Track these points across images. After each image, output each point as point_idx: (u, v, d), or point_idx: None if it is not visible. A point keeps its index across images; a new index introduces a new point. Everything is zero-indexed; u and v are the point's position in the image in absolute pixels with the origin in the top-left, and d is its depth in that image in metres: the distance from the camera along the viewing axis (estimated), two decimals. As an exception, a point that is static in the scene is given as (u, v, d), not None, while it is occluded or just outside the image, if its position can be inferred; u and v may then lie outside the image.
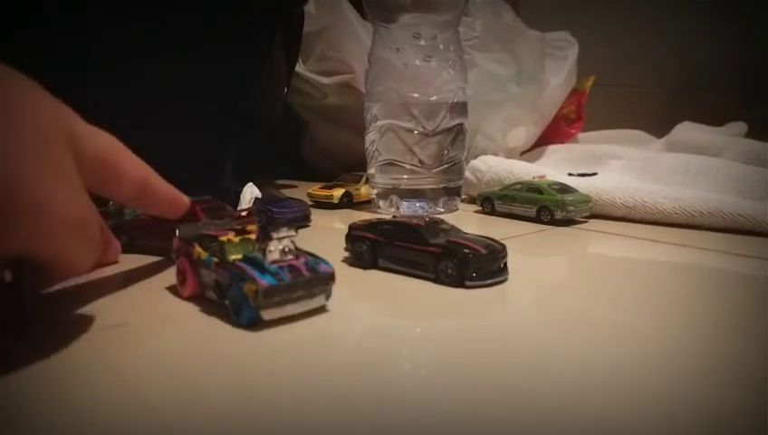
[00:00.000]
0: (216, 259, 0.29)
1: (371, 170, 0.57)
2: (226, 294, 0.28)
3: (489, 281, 0.33)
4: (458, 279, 0.33)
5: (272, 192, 0.55)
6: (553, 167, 0.71)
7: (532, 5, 1.23)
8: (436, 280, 0.34)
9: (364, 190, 0.60)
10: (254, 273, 0.27)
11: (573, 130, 1.03)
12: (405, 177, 0.55)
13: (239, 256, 0.29)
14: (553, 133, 0.95)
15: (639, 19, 1.50)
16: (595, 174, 0.68)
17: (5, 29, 0.40)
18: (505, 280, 0.34)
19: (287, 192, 0.60)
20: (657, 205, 0.50)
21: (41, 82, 0.24)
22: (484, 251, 0.33)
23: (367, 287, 0.35)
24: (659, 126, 1.05)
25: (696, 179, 0.57)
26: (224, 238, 0.30)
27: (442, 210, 0.55)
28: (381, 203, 0.56)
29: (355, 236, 0.38)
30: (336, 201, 0.58)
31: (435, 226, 0.37)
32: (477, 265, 0.33)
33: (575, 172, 0.68)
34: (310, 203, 0.56)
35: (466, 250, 0.33)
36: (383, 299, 0.34)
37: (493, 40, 0.75)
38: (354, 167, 0.65)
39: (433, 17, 0.54)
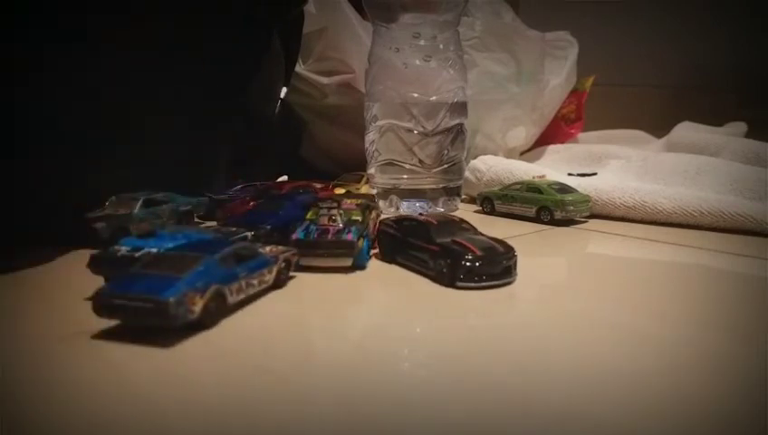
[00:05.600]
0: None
1: (371, 170, 0.57)
2: None
3: (484, 284, 0.33)
4: (450, 279, 0.33)
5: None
6: (553, 167, 0.71)
7: (532, 5, 1.23)
8: (434, 278, 0.34)
9: (364, 190, 0.59)
10: (297, 229, 0.37)
11: (573, 130, 1.03)
12: (405, 177, 0.54)
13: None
14: (553, 133, 0.94)
15: (639, 19, 1.50)
16: (595, 174, 0.68)
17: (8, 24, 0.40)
18: (508, 283, 0.34)
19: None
20: (656, 205, 0.50)
21: (40, 82, 0.24)
22: (478, 253, 0.33)
23: (377, 284, 0.35)
24: (659, 126, 1.05)
25: (696, 179, 0.57)
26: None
27: (442, 210, 0.55)
28: (381, 203, 0.56)
29: (380, 230, 0.40)
30: (336, 201, 0.58)
31: (448, 225, 0.37)
32: (469, 267, 0.33)
33: (575, 172, 0.68)
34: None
35: (460, 251, 0.33)
36: (389, 297, 0.34)
37: (492, 40, 0.75)
38: (354, 167, 0.65)
39: (433, 17, 0.54)
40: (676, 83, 1.65)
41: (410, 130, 0.54)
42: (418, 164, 0.54)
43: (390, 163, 0.55)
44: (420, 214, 0.40)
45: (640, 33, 1.51)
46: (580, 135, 1.06)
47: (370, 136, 0.56)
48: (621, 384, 0.22)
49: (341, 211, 0.39)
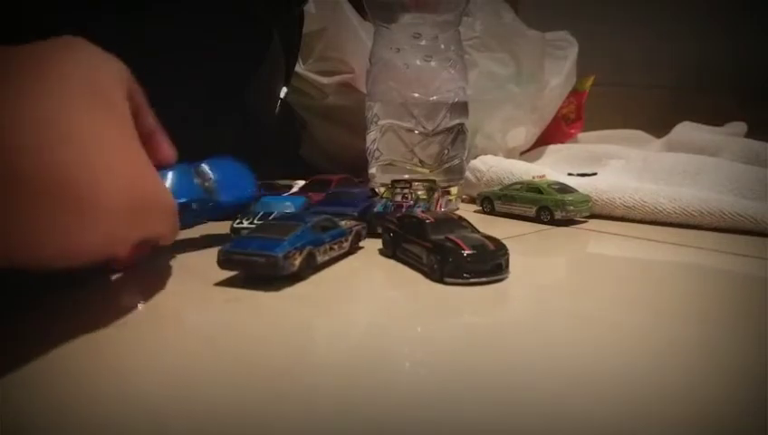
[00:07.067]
0: None
1: (372, 170, 0.57)
2: None
3: (472, 280, 0.33)
4: (439, 274, 0.34)
5: None
6: (553, 167, 0.71)
7: (532, 5, 1.23)
8: (427, 274, 0.35)
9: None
10: (377, 205, 0.46)
11: (573, 130, 1.03)
12: (405, 177, 0.55)
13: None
14: (553, 133, 0.94)
15: (639, 19, 1.50)
16: (595, 174, 0.68)
17: (7, 27, 0.40)
18: (498, 280, 0.34)
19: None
20: (656, 205, 0.50)
21: None
22: (468, 251, 0.33)
23: (377, 280, 0.36)
24: (659, 126, 1.05)
25: (696, 179, 0.57)
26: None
27: (441, 210, 0.55)
28: (381, 203, 0.56)
29: (384, 225, 0.40)
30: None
31: (446, 223, 0.37)
32: (457, 264, 0.33)
33: (575, 172, 0.68)
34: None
35: (449, 248, 0.34)
36: (388, 294, 0.34)
37: (493, 40, 0.75)
38: (354, 167, 0.65)
39: (433, 17, 0.54)
40: (677, 83, 1.65)
41: (411, 130, 0.54)
42: (419, 164, 0.54)
43: (391, 163, 0.55)
44: (423, 211, 0.41)
45: (640, 33, 1.51)
46: (580, 135, 1.06)
47: (371, 136, 0.56)
48: (620, 384, 0.22)
49: (411, 191, 0.48)
